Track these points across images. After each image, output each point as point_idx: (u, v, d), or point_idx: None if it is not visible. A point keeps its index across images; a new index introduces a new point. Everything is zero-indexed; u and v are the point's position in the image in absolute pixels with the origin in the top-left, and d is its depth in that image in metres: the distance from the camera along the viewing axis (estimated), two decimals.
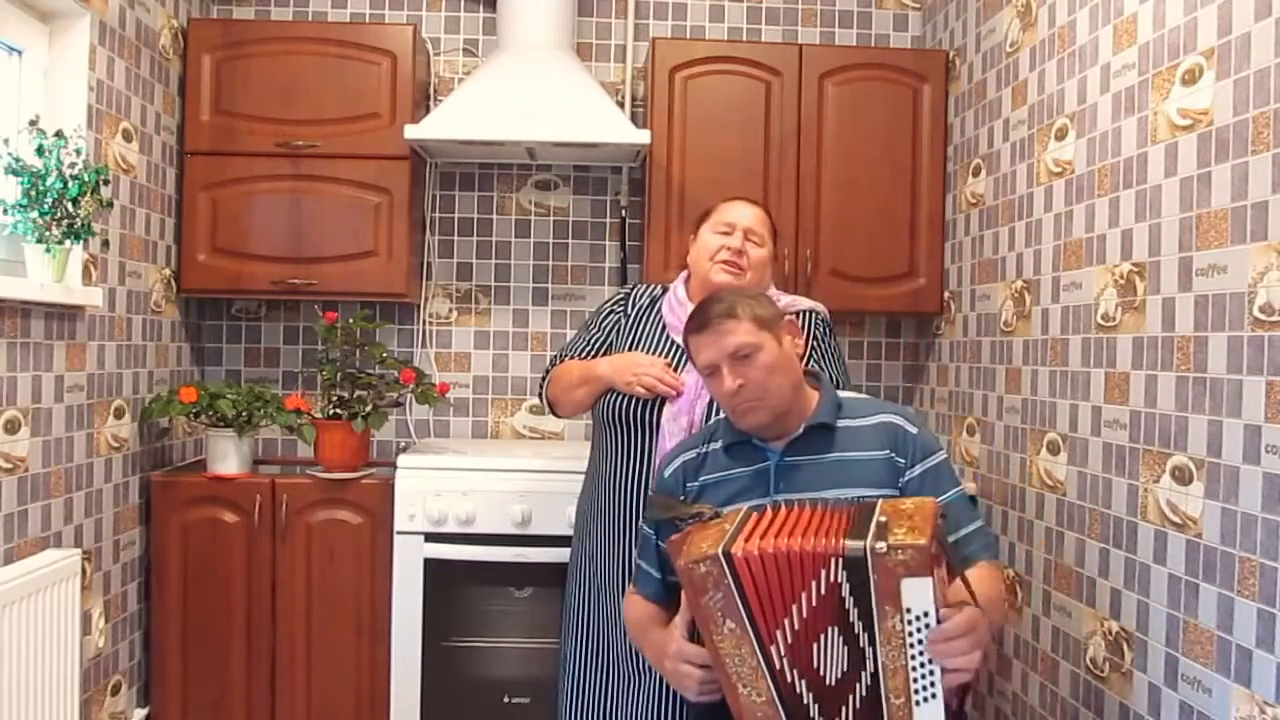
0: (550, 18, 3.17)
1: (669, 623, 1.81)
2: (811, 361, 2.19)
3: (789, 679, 1.57)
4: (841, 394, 1.90)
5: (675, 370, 2.14)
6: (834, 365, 2.23)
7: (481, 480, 2.86)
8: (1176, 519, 1.92)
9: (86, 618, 2.56)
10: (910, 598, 1.48)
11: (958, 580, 1.56)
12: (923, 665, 1.51)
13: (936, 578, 1.48)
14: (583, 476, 2.39)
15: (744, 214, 2.21)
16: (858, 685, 1.54)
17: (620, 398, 2.16)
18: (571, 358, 2.30)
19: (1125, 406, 2.10)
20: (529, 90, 3.01)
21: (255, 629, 2.87)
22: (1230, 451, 1.76)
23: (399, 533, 2.84)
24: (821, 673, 1.56)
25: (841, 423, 1.83)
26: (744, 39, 3.43)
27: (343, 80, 3.07)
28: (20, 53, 2.45)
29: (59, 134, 2.32)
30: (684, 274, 2.29)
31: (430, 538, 2.83)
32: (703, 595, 1.57)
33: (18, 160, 2.26)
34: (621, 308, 2.33)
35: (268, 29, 3.15)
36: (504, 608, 2.88)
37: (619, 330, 2.30)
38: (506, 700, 2.85)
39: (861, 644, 1.52)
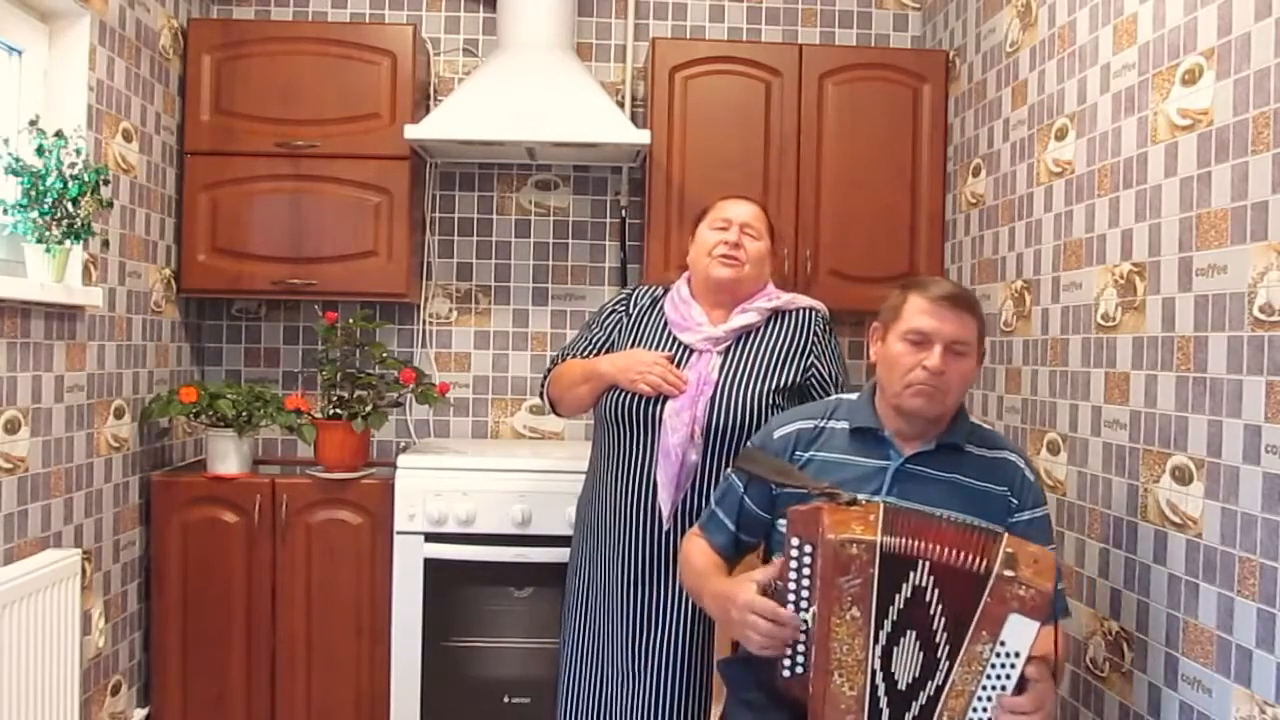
0: (550, 18, 3.17)
1: (731, 575, 1.81)
2: (811, 359, 2.20)
3: (877, 679, 1.57)
4: (972, 420, 1.89)
5: (677, 367, 2.16)
6: (834, 363, 2.23)
7: (481, 480, 2.86)
8: (1176, 519, 1.92)
9: (86, 618, 2.56)
10: (1010, 633, 1.49)
11: (1049, 628, 1.56)
12: (987, 699, 1.51)
13: (1042, 625, 1.49)
14: (583, 476, 2.39)
15: (740, 209, 2.24)
16: (920, 693, 1.54)
17: (623, 395, 2.17)
18: (573, 357, 2.31)
19: (1125, 406, 2.10)
20: (529, 90, 3.01)
21: (255, 629, 2.87)
22: (1230, 451, 1.76)
23: (399, 533, 2.84)
24: (896, 675, 1.56)
25: (968, 448, 1.82)
26: (744, 39, 3.43)
27: (343, 80, 3.07)
28: (20, 53, 2.45)
29: (59, 134, 2.32)
30: (685, 275, 2.31)
31: (430, 538, 2.83)
32: (841, 575, 1.55)
33: (18, 160, 2.26)
34: (624, 308, 2.34)
35: (268, 29, 3.15)
36: (504, 608, 2.88)
37: (621, 330, 2.31)
38: (506, 700, 2.85)
39: (939, 654, 1.52)
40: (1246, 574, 1.71)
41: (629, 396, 2.16)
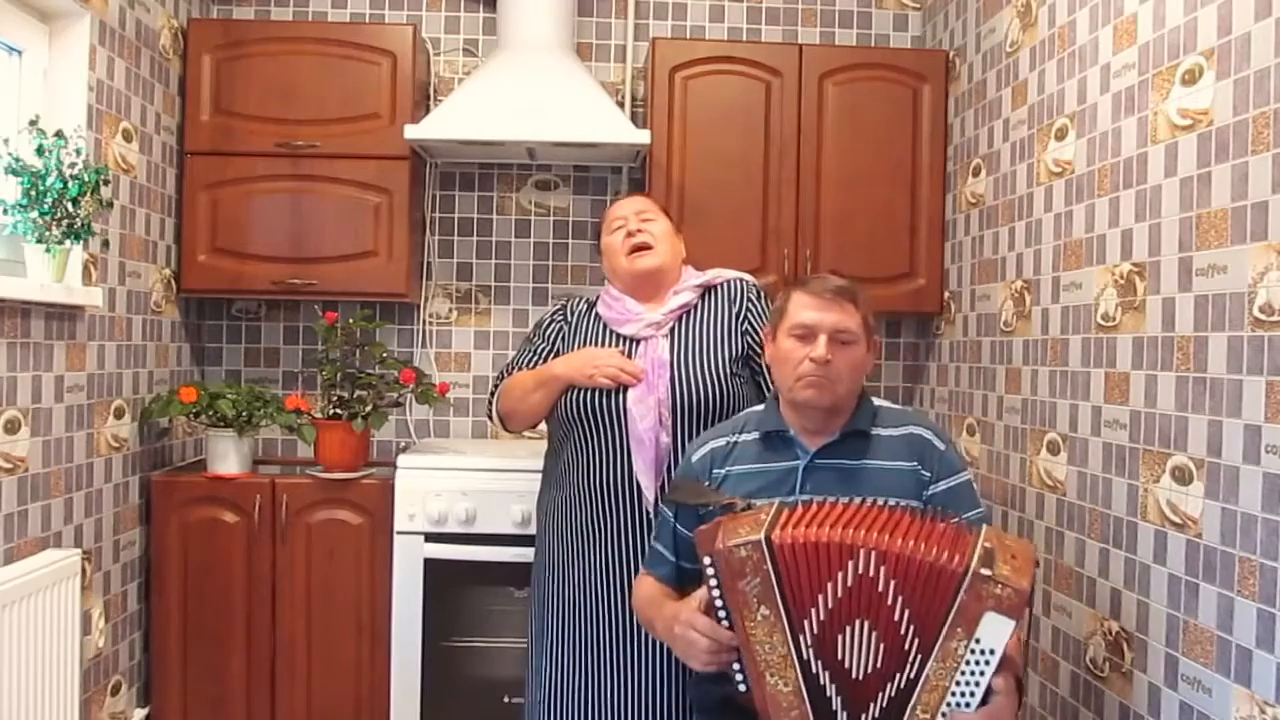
0: (550, 18, 3.17)
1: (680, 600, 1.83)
2: (746, 325, 2.22)
3: (814, 669, 1.58)
4: (876, 402, 1.91)
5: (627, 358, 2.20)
6: None
7: (481, 480, 2.86)
8: (1176, 519, 1.92)
9: (86, 618, 2.56)
10: (985, 630, 1.49)
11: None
12: (961, 695, 1.51)
13: (1018, 624, 1.49)
14: None
15: (626, 205, 2.36)
16: (889, 685, 1.55)
17: (582, 393, 2.19)
18: (518, 370, 2.33)
19: (1125, 406, 2.10)
20: (529, 90, 3.01)
21: (255, 629, 2.87)
22: (1230, 451, 1.76)
23: (399, 533, 2.84)
24: (846, 665, 1.56)
25: (875, 431, 1.85)
26: (744, 39, 3.43)
27: (343, 80, 3.07)
28: (20, 53, 2.45)
29: (59, 134, 2.32)
30: (606, 285, 2.37)
31: (430, 538, 2.83)
32: (740, 580, 1.57)
33: (18, 160, 2.26)
34: (561, 316, 2.38)
35: (268, 29, 3.15)
36: (504, 608, 2.88)
37: (564, 337, 2.34)
38: (506, 700, 2.85)
39: (907, 646, 1.52)
40: (1246, 574, 1.71)
41: (589, 393, 2.18)
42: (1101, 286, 2.20)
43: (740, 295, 2.29)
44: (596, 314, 2.34)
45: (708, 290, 2.31)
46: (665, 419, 2.15)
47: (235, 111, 3.06)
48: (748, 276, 2.36)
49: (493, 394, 2.37)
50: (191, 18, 3.14)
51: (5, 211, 2.28)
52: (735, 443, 1.91)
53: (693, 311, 2.27)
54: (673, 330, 2.24)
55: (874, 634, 1.55)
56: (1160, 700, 1.95)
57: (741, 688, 1.66)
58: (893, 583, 1.54)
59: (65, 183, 2.30)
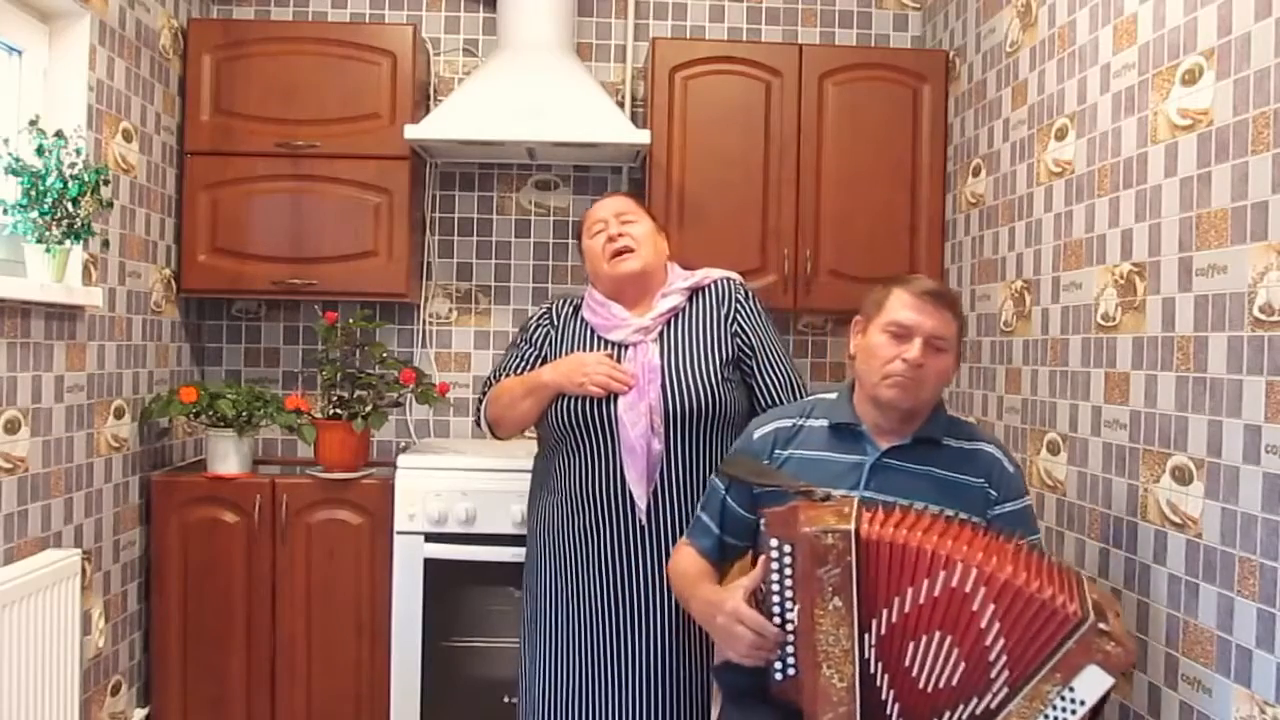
0: (550, 18, 3.17)
1: (719, 582, 1.83)
2: (735, 327, 2.21)
3: (872, 669, 1.58)
4: (949, 413, 1.91)
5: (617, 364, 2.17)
6: (761, 328, 2.24)
7: (481, 480, 2.85)
8: (1176, 519, 1.92)
9: (86, 618, 2.56)
10: (1083, 682, 1.50)
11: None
12: None
13: (1117, 682, 1.50)
14: None
15: (606, 206, 2.30)
16: (963, 706, 1.54)
17: (573, 401, 2.15)
18: (506, 376, 2.29)
19: (1125, 406, 2.10)
20: (529, 90, 3.00)
21: (255, 629, 2.87)
22: (1230, 451, 1.76)
23: (399, 533, 2.84)
24: (914, 673, 1.56)
25: (945, 441, 1.84)
26: (744, 39, 3.43)
27: (343, 80, 3.07)
28: (20, 53, 2.45)
29: (59, 134, 2.32)
30: (589, 288, 2.32)
31: (430, 538, 2.83)
32: (820, 566, 1.57)
33: (18, 160, 2.26)
34: (547, 320, 2.33)
35: (268, 29, 3.15)
36: (504, 608, 2.87)
37: (550, 342, 2.30)
38: (507, 700, 2.85)
39: (994, 675, 1.52)
40: (1246, 574, 1.71)
41: (579, 401, 2.14)
42: (1101, 286, 2.20)
43: (728, 296, 2.26)
44: (583, 318, 2.29)
45: (695, 291, 2.27)
46: (657, 426, 2.11)
47: (235, 111, 3.06)
48: (735, 276, 2.32)
49: (480, 401, 2.34)
50: (191, 18, 3.14)
51: (5, 211, 2.28)
52: (802, 426, 1.89)
53: (681, 314, 2.24)
54: (661, 334, 2.21)
55: (955, 650, 1.54)
56: (1160, 700, 1.95)
57: (778, 677, 1.66)
58: (992, 607, 1.53)
59: (65, 183, 2.30)
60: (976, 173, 2.93)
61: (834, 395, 1.94)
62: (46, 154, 2.28)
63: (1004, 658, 1.53)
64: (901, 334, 1.78)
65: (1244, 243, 1.73)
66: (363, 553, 2.88)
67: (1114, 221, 2.16)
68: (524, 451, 3.09)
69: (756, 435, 1.92)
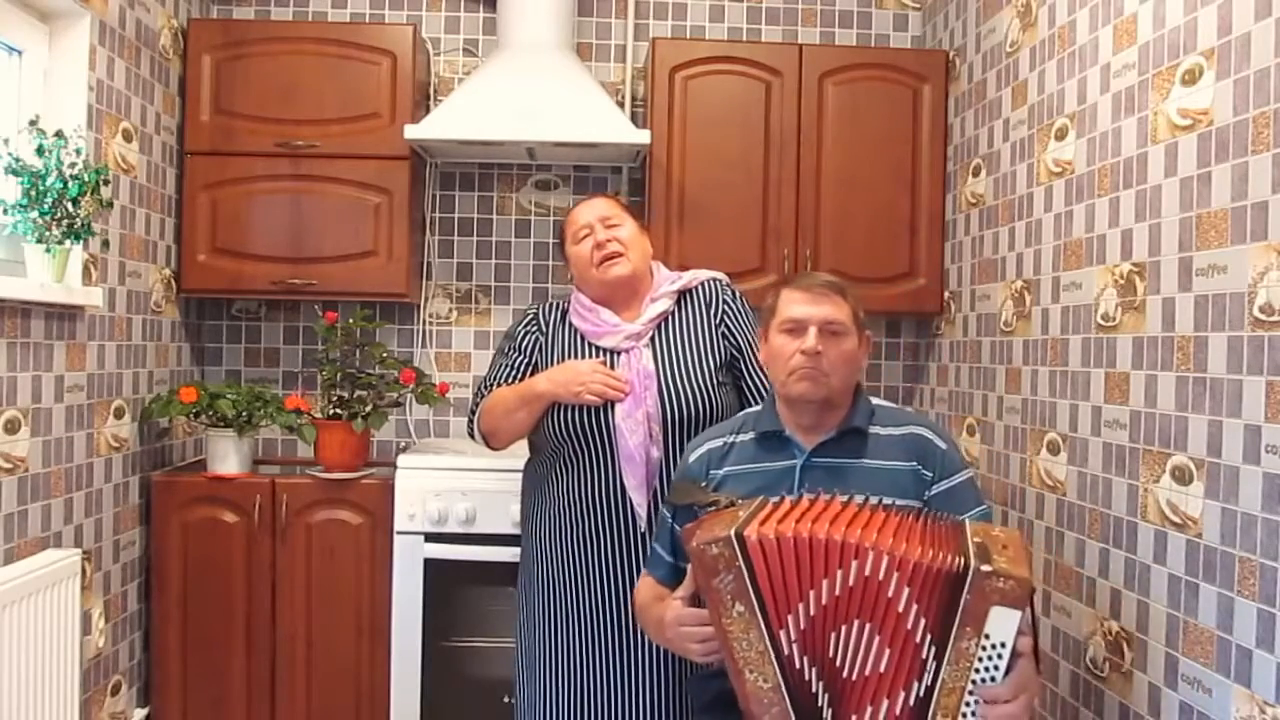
0: (550, 18, 3.17)
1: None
2: (724, 329, 2.20)
3: (798, 665, 1.57)
4: (875, 401, 1.91)
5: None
6: (750, 327, 2.23)
7: (481, 480, 2.86)
8: (1176, 519, 1.92)
9: (86, 618, 2.56)
10: (994, 625, 1.49)
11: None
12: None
13: (1024, 613, 1.49)
14: None
15: (589, 209, 2.26)
16: (903, 693, 1.54)
17: (570, 410, 2.13)
18: (498, 386, 2.26)
19: (1125, 406, 2.10)
20: (529, 90, 3.01)
21: (255, 629, 2.87)
22: (1230, 451, 1.76)
23: (399, 533, 2.84)
24: (839, 663, 1.56)
25: (872, 429, 1.84)
26: (744, 39, 3.43)
27: (343, 80, 3.07)
28: (20, 53, 2.45)
29: (59, 134, 2.32)
30: (574, 292, 2.29)
31: (430, 538, 2.83)
32: (713, 577, 1.57)
33: (18, 160, 2.26)
34: (535, 326, 2.30)
35: (268, 29, 3.15)
36: (504, 608, 2.87)
37: (540, 349, 2.27)
38: (507, 700, 2.85)
39: (924, 654, 1.52)
40: (1246, 574, 1.71)
41: (576, 410, 2.12)
42: (1101, 286, 2.20)
43: (715, 297, 2.24)
44: (572, 324, 2.27)
45: (683, 294, 2.26)
46: (655, 433, 2.10)
47: (235, 111, 3.06)
48: (722, 276, 2.31)
49: (473, 413, 2.29)
50: (191, 18, 3.14)
51: (5, 211, 2.28)
52: (732, 443, 1.90)
53: (671, 317, 2.22)
54: (653, 339, 2.19)
55: (876, 637, 1.54)
56: (1160, 700, 1.95)
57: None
58: (907, 590, 1.52)
59: (65, 183, 2.30)
60: (976, 173, 2.93)
61: (760, 408, 1.95)
62: (46, 154, 2.28)
63: (929, 635, 1.52)
64: (796, 329, 1.80)
65: (1244, 243, 1.73)
66: (363, 553, 2.88)
67: (1114, 221, 2.16)
68: (524, 452, 3.09)
69: (692, 459, 1.93)
